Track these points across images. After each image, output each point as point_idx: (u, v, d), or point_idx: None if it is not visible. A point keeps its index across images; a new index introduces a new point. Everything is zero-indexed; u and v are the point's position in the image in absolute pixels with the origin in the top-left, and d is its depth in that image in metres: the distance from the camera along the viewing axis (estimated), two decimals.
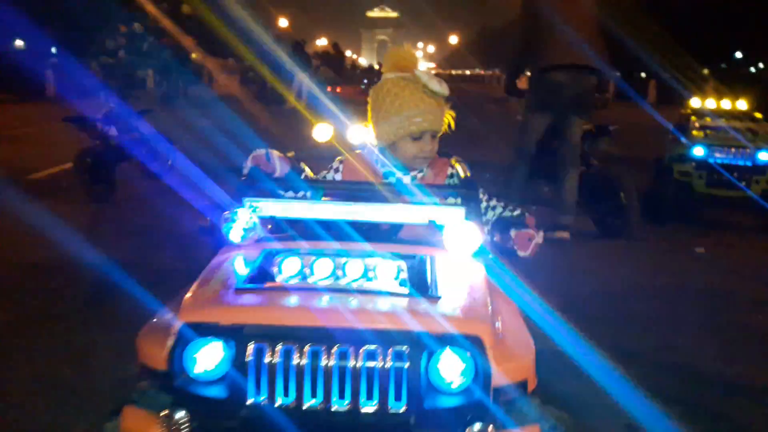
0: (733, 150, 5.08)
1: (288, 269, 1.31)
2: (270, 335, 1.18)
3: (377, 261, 1.32)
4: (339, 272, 1.31)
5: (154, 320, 1.34)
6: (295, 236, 1.61)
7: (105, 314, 3.24)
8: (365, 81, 17.27)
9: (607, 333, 3.01)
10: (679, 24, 36.02)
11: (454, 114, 1.92)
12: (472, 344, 1.18)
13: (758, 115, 5.67)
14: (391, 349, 1.17)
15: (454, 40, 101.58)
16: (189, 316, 1.21)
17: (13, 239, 4.63)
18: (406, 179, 1.87)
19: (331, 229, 1.61)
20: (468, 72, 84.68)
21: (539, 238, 1.67)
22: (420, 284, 1.34)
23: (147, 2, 27.37)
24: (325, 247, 1.48)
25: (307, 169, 1.90)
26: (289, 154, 2.28)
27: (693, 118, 5.72)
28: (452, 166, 1.96)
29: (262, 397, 1.18)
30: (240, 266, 1.43)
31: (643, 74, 30.69)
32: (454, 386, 1.19)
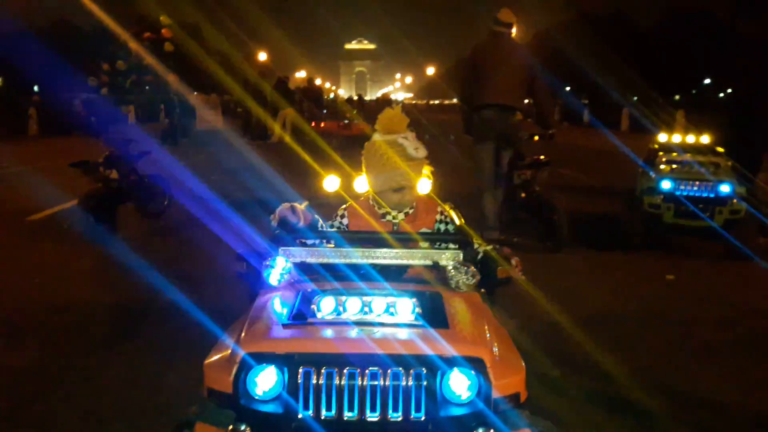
0: (697, 183, 5.49)
1: (325, 307, 1.62)
2: (315, 361, 1.48)
3: (396, 299, 1.63)
4: (366, 309, 1.62)
5: (218, 351, 1.62)
6: (326, 276, 1.91)
7: (128, 349, 3.49)
8: (347, 118, 17.63)
9: (585, 356, 3.33)
10: (649, 55, 37.29)
11: (431, 168, 2.32)
12: (475, 365, 1.49)
13: (720, 149, 6.09)
14: (411, 371, 1.48)
15: (430, 71, 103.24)
16: (250, 347, 1.51)
17: (20, 281, 4.83)
18: (400, 216, 2.24)
19: (352, 270, 1.93)
20: (446, 102, 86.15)
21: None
22: (431, 317, 1.65)
23: (130, 40, 27.81)
24: (348, 287, 1.80)
25: (318, 218, 2.24)
26: (304, 204, 2.61)
27: (660, 153, 6.14)
28: (442, 211, 2.29)
29: (310, 412, 1.47)
30: (283, 305, 1.73)
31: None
32: (462, 399, 1.49)
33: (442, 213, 2.28)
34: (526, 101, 6.00)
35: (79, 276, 4.94)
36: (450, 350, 1.50)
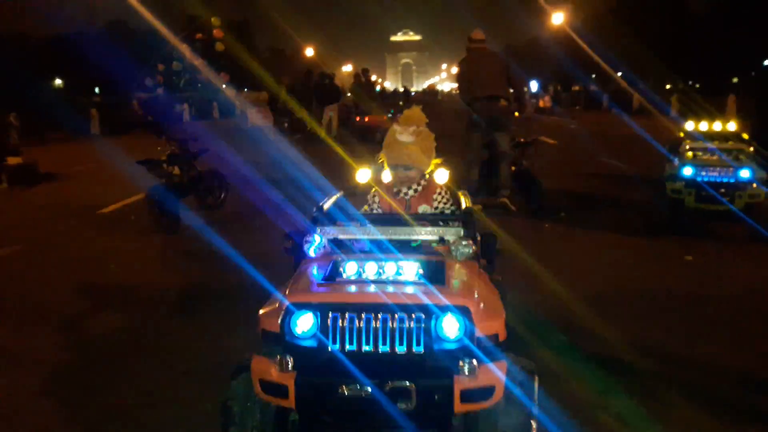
0: (718, 169, 5.74)
1: (349, 270, 2.13)
2: (341, 309, 1.98)
3: (404, 264, 2.12)
4: (381, 271, 2.12)
5: (269, 303, 2.14)
6: (352, 249, 2.41)
7: (195, 318, 4.08)
8: (392, 111, 17.99)
9: (593, 326, 3.72)
10: (703, 37, 36.13)
11: (440, 160, 2.87)
12: (463, 312, 1.96)
13: (745, 136, 6.31)
14: (413, 315, 1.95)
15: None
16: (293, 299, 2.02)
17: (100, 267, 5.48)
18: (411, 192, 2.82)
19: (375, 244, 2.42)
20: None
21: None
22: (431, 277, 2.12)
23: (183, 41, 28.85)
24: (369, 257, 2.29)
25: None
26: (337, 195, 3.11)
27: (686, 141, 6.39)
28: (440, 192, 2.83)
29: (337, 346, 1.97)
30: (318, 270, 2.23)
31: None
32: (451, 337, 1.96)
33: (440, 194, 2.81)
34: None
35: (149, 261, 5.59)
36: (443, 300, 1.97)
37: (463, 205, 2.83)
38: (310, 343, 1.99)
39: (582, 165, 11.49)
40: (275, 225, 6.11)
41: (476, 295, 2.07)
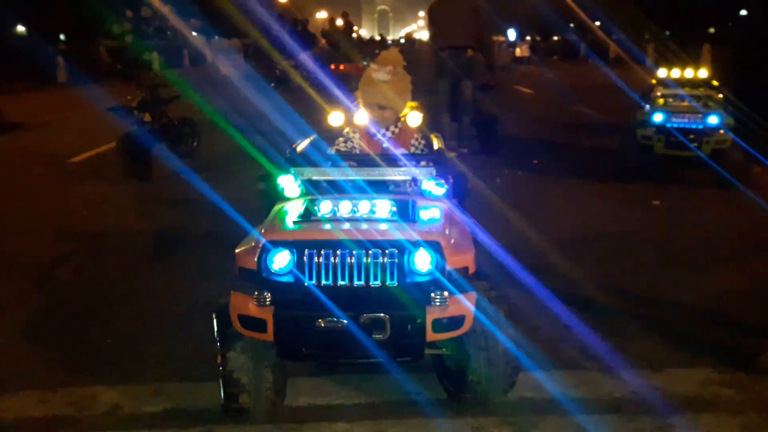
0: (687, 115, 5.84)
1: (324, 208, 2.17)
2: (316, 245, 2.03)
3: (377, 202, 2.17)
4: (355, 209, 2.16)
5: (245, 241, 2.18)
6: (327, 190, 2.45)
7: (169, 264, 4.11)
8: (368, 59, 17.73)
9: (559, 267, 3.85)
10: None
11: (415, 104, 2.91)
12: (434, 247, 2.02)
13: (715, 83, 6.40)
14: (387, 251, 2.01)
15: None
16: (269, 236, 2.07)
17: (71, 215, 5.45)
18: (388, 133, 2.83)
19: (349, 185, 2.46)
20: None
21: None
22: (404, 215, 2.18)
23: None
24: (344, 196, 2.33)
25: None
26: (311, 138, 3.12)
27: (657, 88, 6.46)
28: (418, 137, 2.87)
29: (313, 281, 2.03)
30: (294, 209, 2.27)
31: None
32: (423, 270, 2.03)
33: (417, 139, 2.83)
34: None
35: (122, 209, 5.55)
36: (415, 236, 2.03)
37: (435, 146, 2.87)
38: (286, 279, 2.04)
39: (557, 114, 11.56)
40: (249, 170, 6.11)
41: (447, 231, 2.13)
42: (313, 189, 2.49)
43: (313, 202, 2.27)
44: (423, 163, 2.47)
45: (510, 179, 6.46)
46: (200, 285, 3.63)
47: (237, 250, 2.16)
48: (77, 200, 5.89)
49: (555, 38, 46.19)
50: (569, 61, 34.97)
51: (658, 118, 5.88)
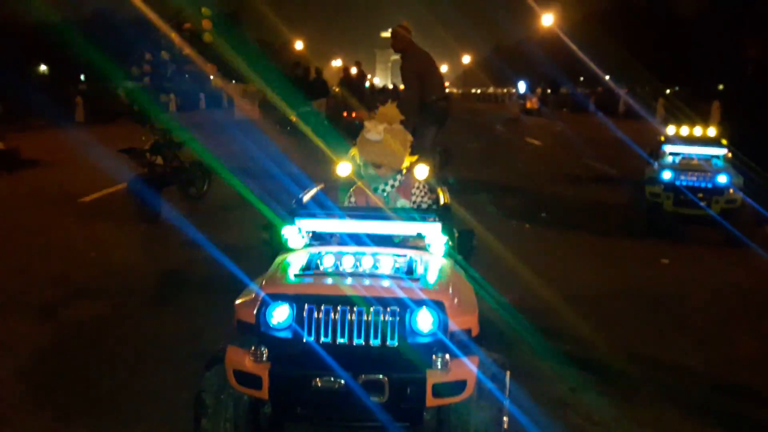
0: (696, 174, 5.83)
1: (327, 262, 2.14)
2: (317, 301, 1.99)
3: (381, 257, 2.14)
4: (358, 264, 2.13)
5: (245, 293, 2.15)
6: (330, 242, 2.43)
7: (174, 307, 4.07)
8: (378, 105, 17.90)
9: (568, 327, 3.77)
10: (689, 44, 36.55)
11: (414, 158, 2.87)
12: (437, 306, 1.99)
13: (724, 141, 6.40)
14: (389, 308, 1.98)
15: (466, 59, 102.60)
16: (269, 290, 2.04)
17: (81, 254, 5.45)
18: (388, 188, 2.78)
19: (353, 237, 2.45)
20: (479, 90, 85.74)
21: None
22: (408, 271, 2.14)
23: (171, 30, 28.60)
24: (347, 250, 2.31)
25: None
26: (321, 186, 3.12)
27: (666, 145, 6.47)
28: (418, 186, 2.83)
29: (312, 337, 1.98)
30: (295, 262, 2.24)
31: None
32: (425, 331, 1.99)
33: (418, 188, 2.81)
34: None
35: (129, 250, 5.55)
36: (419, 294, 2.00)
37: (442, 201, 2.86)
38: (285, 334, 2.00)
39: (566, 167, 11.59)
40: (257, 215, 6.13)
41: (451, 290, 2.10)
42: (317, 241, 2.47)
43: (315, 255, 2.25)
44: (429, 218, 2.45)
45: (518, 231, 6.43)
46: (200, 333, 3.59)
47: (236, 302, 2.13)
48: (85, 240, 5.91)
49: (564, 91, 46.85)
50: (578, 114, 35.31)
51: (666, 175, 5.87)
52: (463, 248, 2.57)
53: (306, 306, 1.99)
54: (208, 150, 8.93)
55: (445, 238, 2.35)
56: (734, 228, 5.66)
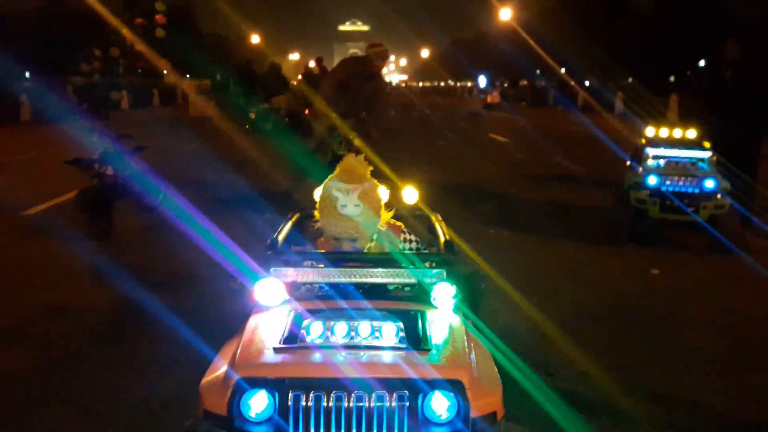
0: (682, 179, 5.59)
1: (314, 331, 1.72)
2: (304, 386, 1.58)
3: (382, 323, 1.73)
4: (353, 333, 1.72)
5: (212, 373, 1.72)
6: (312, 294, 2.01)
7: (125, 352, 3.58)
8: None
9: (565, 357, 3.44)
10: (642, 37, 37.17)
11: (389, 215, 2.40)
12: (455, 387, 1.60)
13: (707, 144, 6.18)
14: (395, 393, 1.58)
15: (425, 53, 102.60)
16: (243, 372, 1.61)
17: (19, 281, 4.89)
18: (367, 247, 2.30)
19: (340, 288, 2.04)
20: (442, 84, 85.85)
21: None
22: (414, 339, 1.75)
23: (121, 26, 27.54)
24: (336, 306, 1.91)
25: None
26: (296, 216, 2.69)
27: (647, 148, 6.21)
28: (404, 232, 2.42)
29: None
30: (274, 328, 1.82)
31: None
32: (442, 419, 1.60)
33: (405, 239, 2.40)
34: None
35: (75, 276, 4.97)
36: (431, 373, 1.60)
37: (441, 236, 2.46)
38: (265, 429, 1.59)
39: (535, 166, 11.37)
40: (216, 230, 5.65)
41: (469, 363, 1.71)
42: (297, 290, 2.06)
43: (298, 318, 1.83)
44: (429, 264, 2.06)
45: (497, 241, 6.09)
46: (153, 381, 3.12)
47: (202, 385, 1.70)
48: (27, 264, 5.32)
49: (523, 83, 47.09)
50: (539, 107, 35.48)
51: (652, 181, 5.62)
52: (470, 294, 2.19)
53: (291, 393, 1.57)
54: (164, 154, 8.40)
55: (453, 290, 1.96)
56: (722, 234, 5.45)
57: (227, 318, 2.26)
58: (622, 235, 5.96)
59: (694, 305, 4.42)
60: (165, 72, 28.54)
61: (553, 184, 9.40)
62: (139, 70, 31.77)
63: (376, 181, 2.32)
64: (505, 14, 45.81)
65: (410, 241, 2.42)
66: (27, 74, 27.64)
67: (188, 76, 30.45)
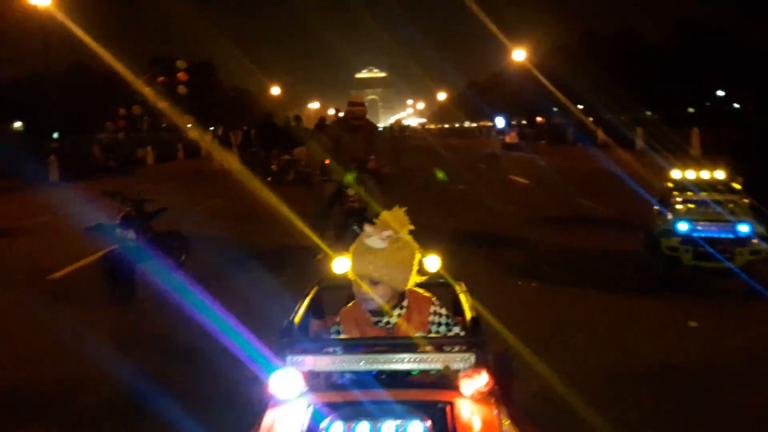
0: (715, 224, 5.41)
1: None
2: None
3: (407, 423, 1.61)
4: None
5: None
6: (331, 386, 1.90)
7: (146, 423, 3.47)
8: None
9: (599, 420, 3.25)
10: (659, 71, 37.17)
11: (421, 279, 2.27)
12: None
13: (737, 186, 6.00)
14: None
15: (442, 95, 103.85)
16: None
17: (40, 351, 4.84)
18: (394, 318, 2.18)
19: (359, 376, 1.93)
20: (458, 125, 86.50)
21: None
22: None
23: (144, 86, 28.34)
24: (357, 398, 1.79)
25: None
26: (314, 290, 2.60)
27: (675, 192, 6.05)
28: (434, 304, 2.27)
29: None
30: (292, 426, 1.71)
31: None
32: None
33: (435, 313, 2.23)
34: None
35: (97, 348, 4.86)
36: None
37: (467, 309, 2.33)
38: None
39: (558, 208, 11.21)
40: (240, 287, 5.56)
41: None
42: (314, 380, 1.96)
43: (317, 416, 1.72)
44: (456, 348, 1.94)
45: (524, 294, 5.92)
46: None
47: None
48: (49, 336, 5.24)
49: (539, 119, 47.15)
50: (557, 146, 35.33)
51: (682, 227, 5.44)
52: (501, 376, 2.06)
53: None
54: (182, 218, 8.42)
55: (483, 377, 1.83)
56: (761, 281, 5.23)
57: (243, 408, 2.15)
58: (654, 283, 5.76)
59: (736, 361, 4.19)
60: (189, 125, 29.11)
61: (578, 227, 9.21)
62: (164, 125, 32.58)
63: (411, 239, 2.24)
64: (519, 55, 46.31)
65: (440, 315, 2.28)
66: (55, 135, 28.48)
67: (212, 129, 30.99)
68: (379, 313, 2.18)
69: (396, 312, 2.18)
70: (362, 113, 7.61)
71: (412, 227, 2.21)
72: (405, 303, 2.21)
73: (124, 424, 3.58)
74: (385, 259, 2.11)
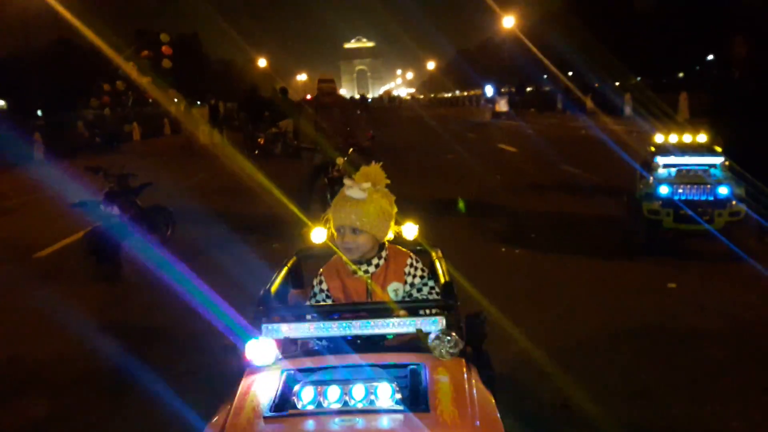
0: (695, 186, 5.46)
1: (306, 397, 1.64)
2: None
3: (376, 384, 1.65)
4: (346, 397, 1.64)
5: None
6: (305, 352, 1.94)
7: (132, 402, 3.52)
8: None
9: (581, 384, 3.32)
10: (648, 35, 36.89)
11: (398, 229, 2.40)
12: None
13: (718, 149, 6.03)
14: None
15: (431, 65, 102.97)
16: None
17: (27, 328, 4.89)
18: (371, 269, 2.24)
19: (334, 342, 1.97)
20: (448, 95, 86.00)
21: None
22: (413, 399, 1.66)
23: (127, 61, 27.88)
24: (331, 362, 1.83)
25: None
26: (292, 260, 2.63)
27: (657, 156, 6.07)
28: (411, 258, 2.31)
29: None
30: (265, 393, 1.75)
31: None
32: None
33: (412, 266, 2.28)
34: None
35: (83, 324, 4.87)
36: None
37: (441, 275, 2.37)
38: None
39: (545, 176, 11.24)
40: (230, 260, 5.58)
41: (471, 419, 1.62)
42: (290, 346, 1.99)
43: (290, 380, 1.76)
44: (429, 311, 1.97)
45: (509, 259, 5.99)
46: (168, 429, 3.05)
47: None
48: (36, 313, 5.25)
49: (529, 89, 46.92)
50: (547, 114, 35.26)
51: (663, 190, 5.49)
52: (472, 338, 2.10)
53: None
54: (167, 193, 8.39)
55: (453, 337, 1.87)
56: (739, 243, 5.30)
57: (221, 376, 2.19)
58: (636, 247, 5.83)
59: (713, 320, 4.27)
60: (175, 100, 28.74)
61: (563, 194, 9.26)
62: (150, 101, 32.22)
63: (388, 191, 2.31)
64: (509, 22, 45.89)
65: (416, 268, 2.31)
66: (39, 112, 28.09)
67: (198, 103, 30.64)
68: (358, 262, 2.24)
69: (375, 261, 2.24)
70: (332, 89, 7.69)
71: (388, 182, 2.26)
72: (384, 254, 2.28)
73: (110, 396, 3.63)
74: (366, 208, 2.18)
